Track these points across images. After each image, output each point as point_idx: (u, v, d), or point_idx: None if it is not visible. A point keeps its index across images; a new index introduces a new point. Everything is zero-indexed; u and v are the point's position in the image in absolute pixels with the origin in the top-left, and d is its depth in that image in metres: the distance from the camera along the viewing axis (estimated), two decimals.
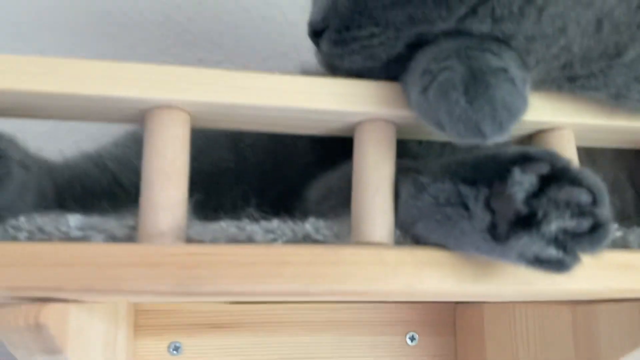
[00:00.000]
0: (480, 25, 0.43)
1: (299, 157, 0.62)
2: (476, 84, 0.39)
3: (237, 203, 0.60)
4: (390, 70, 0.47)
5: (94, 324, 0.49)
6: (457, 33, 0.44)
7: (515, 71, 0.41)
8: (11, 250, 0.40)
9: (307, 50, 0.94)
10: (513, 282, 0.44)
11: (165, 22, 0.98)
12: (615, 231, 0.50)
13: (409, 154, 0.51)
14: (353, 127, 0.48)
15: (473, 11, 0.43)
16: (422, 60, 0.44)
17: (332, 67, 0.51)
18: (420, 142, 0.52)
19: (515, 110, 0.40)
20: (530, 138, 0.51)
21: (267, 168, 0.62)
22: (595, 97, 0.48)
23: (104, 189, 0.56)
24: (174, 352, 0.77)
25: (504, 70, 0.40)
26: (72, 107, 0.45)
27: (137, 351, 0.73)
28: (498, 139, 0.40)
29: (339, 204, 0.49)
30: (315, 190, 0.56)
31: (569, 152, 0.49)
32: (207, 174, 0.56)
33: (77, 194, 0.54)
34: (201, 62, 0.99)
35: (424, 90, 0.42)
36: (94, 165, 0.57)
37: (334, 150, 0.53)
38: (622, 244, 0.50)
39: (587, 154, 0.54)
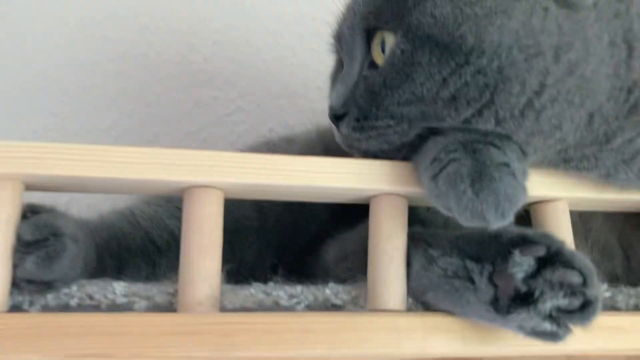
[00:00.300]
0: (485, 124, 0.48)
1: (317, 215, 0.67)
2: (481, 177, 0.44)
3: (259, 259, 0.65)
4: (402, 152, 0.52)
5: None
6: (464, 128, 0.49)
7: (516, 164, 0.46)
8: (65, 321, 0.45)
9: (316, 89, 1.00)
10: (514, 344, 0.49)
11: (182, 62, 1.04)
12: (604, 292, 0.56)
13: (418, 218, 0.56)
14: (369, 198, 0.53)
15: (479, 113, 0.48)
16: (433, 147, 0.49)
17: (350, 147, 0.56)
18: (428, 208, 0.57)
19: (515, 201, 0.45)
20: (529, 206, 0.56)
21: (287, 225, 0.67)
22: (587, 176, 0.53)
23: (138, 246, 0.61)
24: None
25: (507, 165, 0.46)
26: (121, 186, 0.50)
27: None
28: (500, 225, 0.45)
29: (355, 267, 0.54)
30: (333, 250, 0.61)
31: (563, 221, 0.54)
32: (231, 231, 0.61)
33: (114, 251, 0.59)
34: (216, 100, 1.04)
35: (434, 177, 0.47)
36: (129, 223, 0.62)
37: (350, 209, 0.58)
38: (610, 304, 0.55)
39: (580, 217, 0.59)
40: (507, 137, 0.49)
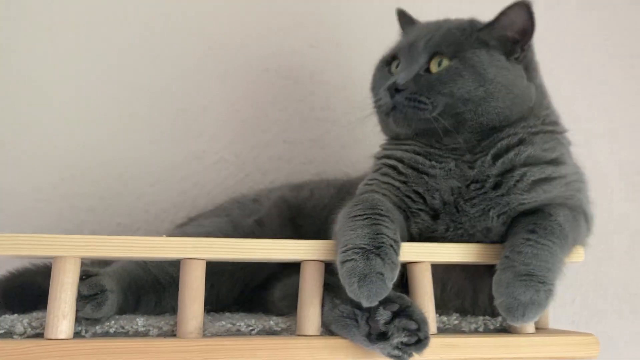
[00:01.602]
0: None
1: (270, 264, 0.96)
2: (365, 278, 0.72)
3: (231, 293, 0.95)
4: (417, 130, 0.92)
5: None
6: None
7: (388, 274, 0.73)
8: (107, 344, 0.74)
9: (283, 143, 1.27)
10: (381, 357, 0.79)
11: (177, 122, 1.32)
12: (454, 320, 0.86)
13: None
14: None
15: (475, 111, 0.91)
16: (341, 238, 0.77)
17: (392, 111, 0.92)
18: None
19: (380, 295, 0.72)
20: (406, 264, 0.85)
21: (250, 270, 0.96)
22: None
23: (149, 286, 0.90)
24: None
25: (381, 274, 0.72)
26: (139, 257, 0.79)
27: None
28: (371, 305, 0.73)
29: (292, 305, 0.83)
30: (278, 291, 0.92)
31: (426, 276, 0.84)
32: (213, 274, 0.91)
33: (133, 290, 0.89)
34: (204, 153, 1.32)
35: (342, 263, 0.74)
36: (142, 270, 0.91)
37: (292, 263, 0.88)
38: (456, 329, 0.86)
39: (444, 268, 0.89)
40: (395, 252, 0.76)
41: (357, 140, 1.37)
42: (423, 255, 0.84)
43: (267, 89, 1.37)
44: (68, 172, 1.25)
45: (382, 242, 0.75)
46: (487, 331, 0.87)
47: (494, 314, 0.88)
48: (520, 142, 0.90)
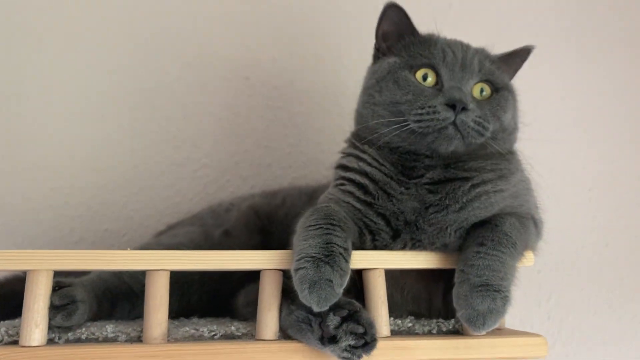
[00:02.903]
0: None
1: (235, 273, 1.01)
2: (314, 285, 0.77)
3: (200, 300, 1.01)
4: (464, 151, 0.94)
5: None
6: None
7: (337, 280, 0.78)
8: (79, 350, 0.80)
9: (265, 148, 1.32)
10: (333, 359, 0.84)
11: (160, 132, 1.37)
12: (408, 323, 0.91)
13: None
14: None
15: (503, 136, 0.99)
16: (296, 247, 0.82)
17: (452, 127, 0.90)
18: None
19: (329, 301, 0.77)
20: (360, 272, 0.90)
21: (217, 279, 1.02)
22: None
23: (123, 294, 0.96)
24: None
25: (330, 281, 0.77)
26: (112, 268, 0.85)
27: None
28: (321, 310, 0.78)
29: (254, 311, 0.88)
30: (242, 297, 0.97)
31: (379, 282, 0.88)
32: (182, 283, 0.97)
33: (108, 298, 0.95)
34: (187, 160, 1.38)
35: (295, 270, 0.80)
36: (117, 279, 0.97)
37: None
38: (410, 331, 0.90)
39: (401, 273, 0.93)
40: (345, 259, 0.81)
41: (336, 145, 1.42)
42: (376, 262, 0.89)
43: (247, 97, 1.43)
44: (57, 182, 1.31)
45: (332, 251, 0.81)
46: (440, 333, 0.92)
47: (447, 316, 0.93)
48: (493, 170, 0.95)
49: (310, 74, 1.46)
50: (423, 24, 1.02)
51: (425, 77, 0.95)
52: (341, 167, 1.01)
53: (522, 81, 1.47)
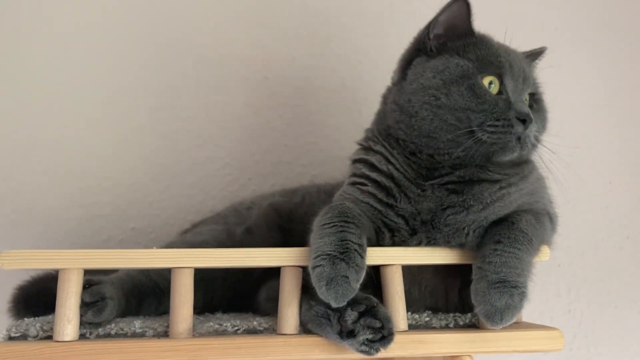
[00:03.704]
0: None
1: (256, 269, 1.04)
2: (331, 282, 0.80)
3: (224, 296, 1.04)
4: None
5: None
6: None
7: (353, 275, 0.81)
8: (109, 344, 0.84)
9: (284, 147, 1.35)
10: (353, 353, 0.86)
11: (183, 132, 1.41)
12: (425, 317, 0.93)
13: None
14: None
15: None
16: (312, 245, 0.85)
17: (513, 137, 0.91)
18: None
19: (346, 297, 0.80)
20: (377, 268, 0.92)
21: (239, 276, 1.05)
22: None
23: (150, 290, 1.00)
24: None
25: (346, 277, 0.80)
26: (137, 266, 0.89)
27: None
28: (339, 305, 0.81)
29: (275, 306, 0.91)
30: (263, 293, 1.01)
31: (397, 277, 0.91)
32: (207, 280, 1.00)
33: (136, 294, 0.99)
34: (209, 159, 1.41)
35: (313, 268, 0.83)
36: (144, 276, 1.01)
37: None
38: (427, 325, 0.93)
39: (418, 269, 0.95)
40: (360, 255, 0.84)
41: (354, 142, 1.44)
42: (392, 258, 0.92)
43: (267, 96, 1.45)
44: (85, 183, 1.36)
45: (347, 248, 0.83)
46: (457, 327, 0.94)
47: (464, 311, 0.95)
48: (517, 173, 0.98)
49: (328, 72, 1.48)
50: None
51: (490, 85, 0.95)
52: (366, 163, 1.01)
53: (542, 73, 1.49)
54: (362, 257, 0.85)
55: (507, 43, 1.02)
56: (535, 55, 1.07)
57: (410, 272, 0.95)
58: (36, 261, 0.85)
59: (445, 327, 0.94)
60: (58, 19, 1.39)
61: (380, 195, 0.96)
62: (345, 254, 0.83)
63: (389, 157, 0.98)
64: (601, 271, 1.50)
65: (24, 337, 0.86)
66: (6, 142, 1.35)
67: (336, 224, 0.87)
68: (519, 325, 0.97)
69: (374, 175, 0.97)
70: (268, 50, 1.47)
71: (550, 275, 1.48)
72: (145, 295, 1.00)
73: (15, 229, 1.32)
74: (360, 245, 0.85)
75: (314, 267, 0.83)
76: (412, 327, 0.92)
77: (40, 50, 1.38)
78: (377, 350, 0.82)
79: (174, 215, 1.38)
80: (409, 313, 0.93)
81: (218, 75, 1.44)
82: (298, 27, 1.49)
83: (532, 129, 0.93)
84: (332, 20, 1.50)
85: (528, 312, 1.43)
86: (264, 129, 1.45)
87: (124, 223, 1.36)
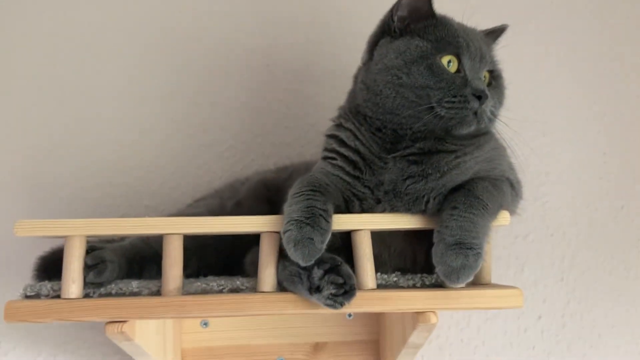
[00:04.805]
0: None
1: (244, 236, 1.12)
2: (298, 243, 0.89)
3: (216, 261, 1.15)
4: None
5: (150, 323, 1.06)
6: None
7: (318, 237, 0.90)
8: (110, 302, 0.96)
9: (285, 128, 1.45)
10: (322, 308, 0.95)
11: (190, 115, 1.53)
12: (393, 278, 1.01)
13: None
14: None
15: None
16: (285, 213, 0.95)
17: (471, 114, 0.98)
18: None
19: (312, 256, 0.89)
20: (349, 233, 1.01)
21: (229, 242, 1.15)
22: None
23: (150, 257, 1.11)
24: (204, 326, 1.35)
25: (311, 239, 0.90)
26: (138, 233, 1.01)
27: (182, 327, 1.32)
28: (306, 265, 0.91)
29: (257, 269, 1.01)
30: (248, 257, 1.11)
31: (366, 242, 0.99)
32: (199, 246, 1.11)
33: (137, 260, 1.10)
34: (214, 141, 1.53)
35: (284, 232, 0.93)
36: (145, 244, 1.12)
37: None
38: (396, 285, 1.01)
39: (388, 233, 1.03)
40: (325, 219, 0.93)
41: None
42: (360, 224, 1.00)
43: (269, 82, 1.55)
44: (102, 164, 1.49)
45: (313, 213, 0.93)
46: (424, 286, 1.01)
47: (430, 271, 1.03)
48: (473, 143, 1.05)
49: (326, 57, 1.56)
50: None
51: (448, 64, 1.01)
52: (336, 139, 1.09)
53: (532, 49, 1.54)
54: (328, 221, 0.94)
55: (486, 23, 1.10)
56: (496, 32, 1.13)
57: (381, 237, 1.03)
58: (44, 229, 0.97)
59: (413, 287, 1.01)
60: (73, 14, 1.53)
61: (348, 168, 1.04)
62: (310, 218, 0.92)
63: (357, 133, 1.06)
64: (595, 240, 1.54)
65: (37, 295, 0.99)
66: (27, 129, 1.51)
67: (304, 192, 0.96)
68: (482, 285, 1.04)
69: (342, 150, 1.06)
70: (268, 38, 1.57)
71: (544, 244, 1.53)
72: (146, 262, 1.11)
73: (37, 212, 1.46)
74: (325, 211, 0.94)
75: (285, 232, 0.93)
76: (382, 287, 1.00)
77: (64, 42, 1.53)
78: (341, 304, 0.91)
79: (184, 194, 1.49)
80: (379, 274, 1.01)
81: (222, 64, 1.55)
82: (296, 15, 1.58)
83: (488, 104, 1.00)
84: (328, 6, 1.59)
85: (521, 280, 1.50)
86: (265, 113, 1.55)
87: (137, 201, 1.49)
